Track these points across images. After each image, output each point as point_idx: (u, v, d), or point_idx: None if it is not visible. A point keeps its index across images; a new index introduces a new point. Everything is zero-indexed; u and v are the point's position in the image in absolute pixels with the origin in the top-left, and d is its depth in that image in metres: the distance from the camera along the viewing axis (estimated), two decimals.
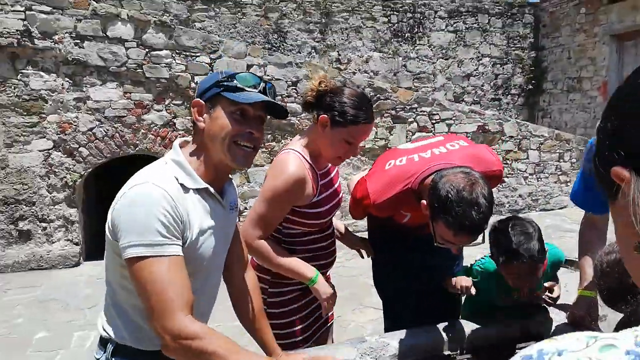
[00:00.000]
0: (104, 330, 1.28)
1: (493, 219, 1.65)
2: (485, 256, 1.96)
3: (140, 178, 1.18)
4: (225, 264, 1.45)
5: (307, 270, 1.75)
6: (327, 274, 1.99)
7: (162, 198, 1.13)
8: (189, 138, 1.35)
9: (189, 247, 1.20)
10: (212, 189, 1.26)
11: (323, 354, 1.61)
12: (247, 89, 1.24)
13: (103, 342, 1.29)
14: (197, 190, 1.24)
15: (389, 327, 2.09)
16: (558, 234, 5.70)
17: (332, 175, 1.89)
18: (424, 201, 1.62)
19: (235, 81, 1.23)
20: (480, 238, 1.56)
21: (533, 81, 9.73)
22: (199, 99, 1.26)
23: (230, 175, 1.39)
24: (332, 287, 1.84)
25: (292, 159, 1.70)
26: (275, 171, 1.70)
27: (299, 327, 1.88)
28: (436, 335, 1.81)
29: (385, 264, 2.16)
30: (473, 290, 1.90)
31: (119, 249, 1.15)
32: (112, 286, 1.27)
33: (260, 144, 1.30)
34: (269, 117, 1.34)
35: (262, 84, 1.28)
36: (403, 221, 1.90)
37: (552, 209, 7.45)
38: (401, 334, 1.79)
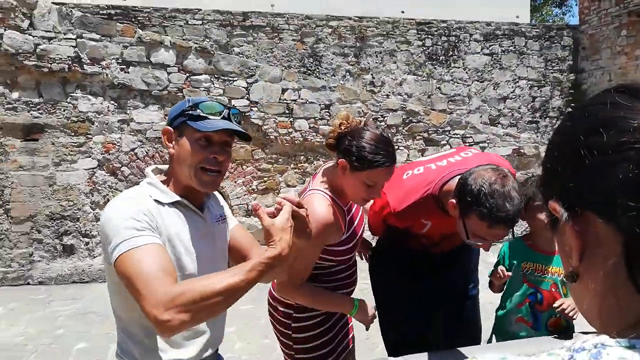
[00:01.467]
0: (119, 354, 1.35)
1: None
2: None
3: (115, 197, 1.31)
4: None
5: (347, 304, 1.81)
6: None
7: (135, 206, 1.25)
8: (162, 166, 1.47)
9: (170, 254, 1.26)
10: (186, 201, 1.36)
11: None
12: (210, 117, 1.32)
13: None
14: (173, 204, 1.33)
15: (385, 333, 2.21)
16: None
17: (353, 210, 1.89)
18: (452, 200, 1.65)
19: (198, 110, 1.32)
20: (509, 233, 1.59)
21: (572, 104, 9.53)
22: (168, 127, 1.36)
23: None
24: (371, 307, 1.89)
25: (318, 200, 1.69)
26: (316, 218, 1.63)
27: (324, 350, 1.90)
28: (462, 358, 1.81)
29: (388, 294, 2.20)
30: (508, 274, 2.03)
31: (112, 268, 1.22)
32: (118, 314, 1.35)
33: (227, 167, 1.38)
34: (236, 140, 1.42)
35: (226, 111, 1.35)
36: (423, 231, 1.92)
37: None
38: (425, 356, 1.80)
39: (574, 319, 1.93)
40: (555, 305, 1.92)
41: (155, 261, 1.15)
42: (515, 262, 2.11)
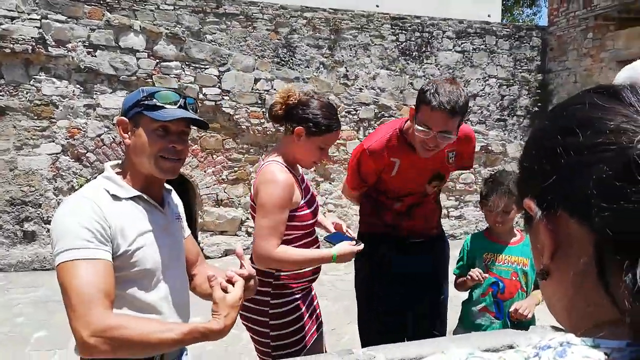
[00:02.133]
0: (77, 349, 1.32)
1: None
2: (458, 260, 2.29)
3: (73, 194, 1.29)
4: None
5: (325, 254, 1.89)
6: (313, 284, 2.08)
7: (89, 208, 1.22)
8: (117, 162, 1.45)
9: (127, 252, 1.26)
10: (145, 196, 1.34)
11: None
12: (166, 106, 1.31)
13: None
14: (132, 199, 1.32)
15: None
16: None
17: (306, 181, 2.05)
18: (411, 106, 1.98)
19: (154, 100, 1.30)
20: (454, 134, 1.89)
21: (539, 103, 9.79)
22: (123, 117, 1.34)
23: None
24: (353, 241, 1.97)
25: (277, 168, 1.84)
26: (267, 182, 1.81)
27: (298, 336, 1.95)
28: (426, 350, 1.84)
29: (369, 285, 2.32)
30: (485, 275, 2.13)
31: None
32: None
33: (186, 155, 1.39)
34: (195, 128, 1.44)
35: (182, 100, 1.34)
36: (392, 174, 2.12)
37: None
38: (390, 347, 1.83)
39: (529, 319, 2.01)
40: (510, 309, 2.02)
41: (96, 280, 1.14)
42: (476, 255, 2.20)
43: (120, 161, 1.44)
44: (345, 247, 1.91)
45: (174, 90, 1.37)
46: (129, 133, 1.33)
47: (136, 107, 1.31)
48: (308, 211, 1.93)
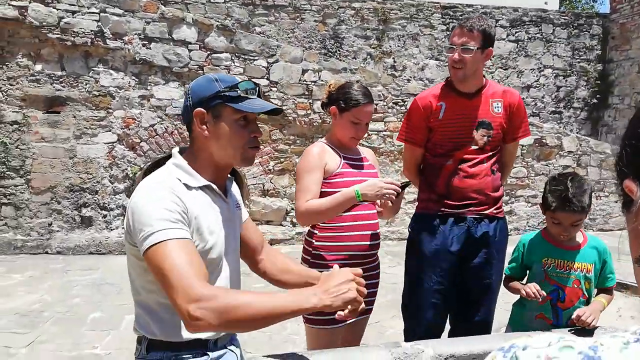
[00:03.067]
0: (136, 329, 1.36)
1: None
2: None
3: (144, 182, 1.28)
4: (251, 259, 1.55)
5: (349, 193, 1.95)
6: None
7: (167, 193, 1.22)
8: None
9: (196, 241, 1.26)
10: (214, 186, 1.35)
11: (356, 355, 1.65)
12: (249, 96, 1.31)
13: (138, 339, 1.36)
14: (200, 188, 1.32)
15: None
16: (615, 256, 5.43)
17: (364, 160, 2.20)
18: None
19: (238, 91, 1.29)
20: (474, 47, 2.15)
21: (598, 95, 9.30)
22: (201, 109, 1.31)
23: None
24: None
25: (314, 145, 2.13)
26: (302, 156, 2.10)
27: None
28: (474, 346, 1.79)
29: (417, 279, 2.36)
30: (543, 294, 1.93)
31: (136, 249, 1.23)
32: (136, 288, 1.34)
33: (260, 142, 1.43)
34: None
35: (258, 89, 1.34)
36: (439, 117, 2.25)
37: (611, 230, 7.10)
38: (438, 342, 1.79)
39: (593, 326, 1.86)
40: (573, 317, 1.85)
41: (188, 257, 1.16)
42: (534, 259, 2.04)
43: (181, 147, 1.44)
44: (370, 180, 1.98)
45: (248, 79, 1.38)
46: (207, 124, 1.32)
47: (217, 98, 1.30)
48: (347, 179, 2.02)
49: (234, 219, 1.44)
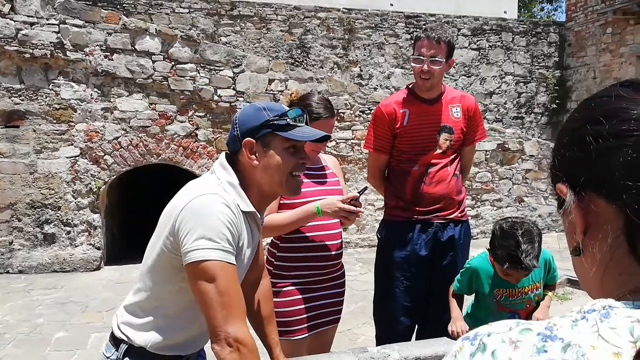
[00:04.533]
0: (120, 330, 1.34)
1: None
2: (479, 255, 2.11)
3: (203, 190, 1.25)
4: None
5: (309, 209, 1.93)
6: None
7: (229, 211, 1.21)
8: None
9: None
10: (258, 215, 1.35)
11: None
12: (298, 124, 1.33)
13: (116, 341, 1.34)
14: (245, 213, 1.31)
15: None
16: (559, 255, 5.60)
17: (326, 171, 2.17)
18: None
19: (287, 119, 1.30)
20: (441, 59, 2.24)
21: (557, 100, 9.64)
22: (250, 139, 1.30)
23: None
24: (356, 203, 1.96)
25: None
26: None
27: (297, 317, 1.99)
28: (440, 347, 1.82)
29: (387, 285, 2.40)
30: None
31: (173, 257, 1.22)
32: (153, 295, 1.32)
33: None
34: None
35: (305, 116, 1.36)
36: (404, 123, 2.31)
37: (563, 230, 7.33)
38: (404, 345, 1.81)
39: None
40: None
41: (238, 288, 1.20)
42: (484, 291, 2.02)
43: (226, 154, 1.39)
44: (329, 199, 1.95)
45: (296, 108, 1.38)
46: (256, 154, 1.31)
47: (266, 127, 1.30)
48: (306, 189, 1.92)
49: (257, 243, 1.45)
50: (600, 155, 0.51)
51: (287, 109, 1.34)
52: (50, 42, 5.49)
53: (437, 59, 2.22)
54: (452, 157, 2.36)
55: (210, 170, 1.36)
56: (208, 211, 1.19)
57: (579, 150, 0.54)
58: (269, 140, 1.30)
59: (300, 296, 1.99)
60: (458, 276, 2.11)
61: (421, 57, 2.23)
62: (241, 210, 1.28)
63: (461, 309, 2.11)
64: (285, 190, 1.36)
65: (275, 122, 1.29)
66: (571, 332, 0.47)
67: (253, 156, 1.30)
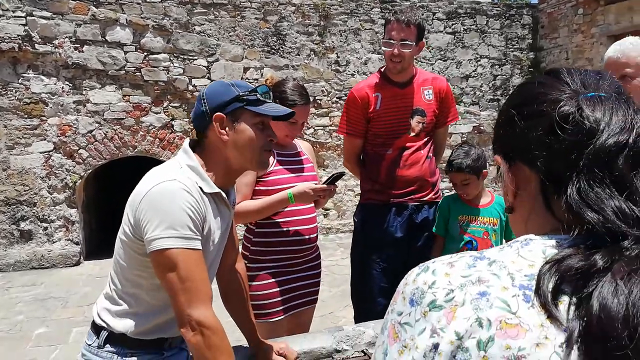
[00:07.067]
0: (100, 318, 1.35)
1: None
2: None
3: (162, 177, 1.24)
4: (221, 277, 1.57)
5: (282, 196, 1.95)
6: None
7: (189, 196, 1.21)
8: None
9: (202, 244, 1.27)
10: (223, 194, 1.35)
11: (301, 342, 1.70)
12: (267, 100, 1.34)
13: (97, 328, 1.35)
14: (210, 195, 1.31)
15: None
16: None
17: (301, 157, 2.17)
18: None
19: (257, 95, 1.32)
20: (412, 42, 2.27)
21: None
22: (220, 113, 1.30)
23: None
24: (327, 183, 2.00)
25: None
26: None
27: (273, 300, 2.03)
28: None
29: (364, 266, 2.46)
30: None
31: (139, 245, 1.23)
32: (121, 279, 1.34)
33: None
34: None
35: (271, 92, 1.38)
36: (377, 107, 2.34)
37: None
38: (378, 322, 1.86)
39: None
40: None
41: (202, 273, 1.21)
42: (451, 218, 2.37)
43: (191, 141, 1.39)
44: (301, 185, 1.96)
45: (264, 85, 1.41)
46: (226, 129, 1.31)
47: (236, 102, 1.30)
48: (280, 177, 2.01)
49: (229, 223, 1.45)
50: (523, 131, 0.64)
51: (258, 85, 1.36)
52: (18, 35, 5.35)
53: (407, 42, 2.24)
54: (425, 139, 2.41)
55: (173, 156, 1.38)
56: (167, 199, 1.19)
57: (509, 127, 0.67)
58: (238, 115, 1.31)
59: (275, 279, 2.02)
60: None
61: (391, 41, 2.25)
62: (206, 192, 1.28)
63: None
64: (255, 166, 1.37)
65: (246, 97, 1.30)
66: (497, 254, 0.59)
67: (223, 131, 1.30)
